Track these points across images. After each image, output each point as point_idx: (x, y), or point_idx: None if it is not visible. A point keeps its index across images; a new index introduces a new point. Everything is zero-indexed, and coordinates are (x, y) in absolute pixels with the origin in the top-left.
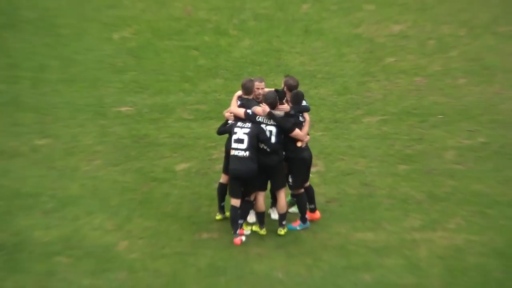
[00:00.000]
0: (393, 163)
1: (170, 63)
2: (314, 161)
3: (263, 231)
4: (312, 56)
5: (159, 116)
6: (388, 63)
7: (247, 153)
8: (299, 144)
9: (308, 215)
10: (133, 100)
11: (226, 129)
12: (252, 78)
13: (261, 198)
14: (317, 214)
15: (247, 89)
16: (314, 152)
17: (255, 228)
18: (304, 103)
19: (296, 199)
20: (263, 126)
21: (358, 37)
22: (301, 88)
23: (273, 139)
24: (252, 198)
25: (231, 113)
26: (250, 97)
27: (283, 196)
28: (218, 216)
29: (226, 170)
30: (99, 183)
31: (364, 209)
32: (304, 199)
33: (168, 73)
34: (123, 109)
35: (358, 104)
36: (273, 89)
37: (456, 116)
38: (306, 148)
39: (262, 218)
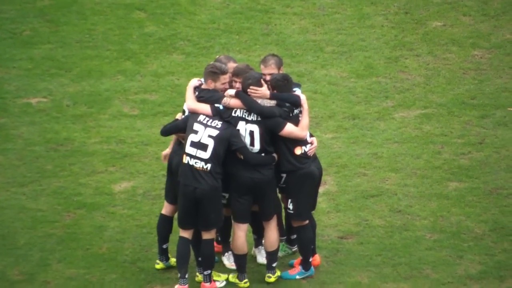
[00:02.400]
0: (440, 179)
1: (103, 31)
2: (322, 177)
3: (244, 283)
4: (317, 19)
5: (88, 111)
6: (433, 29)
7: (208, 165)
8: (298, 151)
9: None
10: (48, 87)
11: (177, 126)
12: (222, 57)
13: (242, 234)
14: (317, 259)
15: (216, 74)
16: (321, 163)
17: (232, 278)
18: (297, 91)
19: (296, 235)
20: (241, 124)
21: None
22: (303, 67)
23: (256, 145)
24: (211, 234)
25: (190, 110)
26: (213, 85)
27: (275, 227)
28: (158, 265)
29: (171, 197)
30: None
31: (396, 248)
32: (309, 235)
33: (101, 46)
34: (33, 100)
35: (387, 91)
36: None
37: None
38: (314, 158)
39: (243, 263)
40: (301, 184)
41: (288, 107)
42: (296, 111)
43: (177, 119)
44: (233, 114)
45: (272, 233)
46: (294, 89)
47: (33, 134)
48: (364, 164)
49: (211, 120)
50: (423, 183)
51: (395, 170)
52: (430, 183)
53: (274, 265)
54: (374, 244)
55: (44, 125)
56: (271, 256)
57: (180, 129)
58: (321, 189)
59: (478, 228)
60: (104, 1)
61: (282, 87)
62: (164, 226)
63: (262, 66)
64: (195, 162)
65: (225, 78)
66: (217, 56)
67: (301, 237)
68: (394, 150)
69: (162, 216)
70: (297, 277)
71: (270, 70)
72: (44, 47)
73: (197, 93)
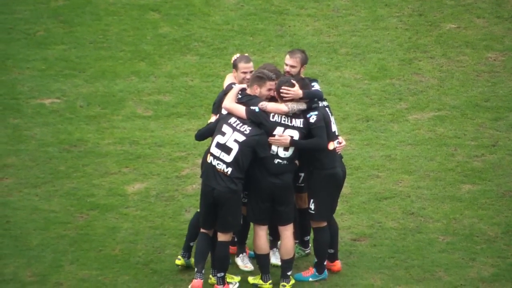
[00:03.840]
0: (453, 181)
1: (117, 32)
2: None
3: (269, 284)
4: (331, 20)
5: (101, 112)
6: (447, 31)
7: (229, 169)
8: (331, 145)
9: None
10: (62, 88)
11: (210, 129)
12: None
13: (263, 234)
14: (338, 264)
15: (262, 79)
16: None
17: (254, 280)
18: (316, 86)
19: (314, 236)
20: (279, 130)
21: None
22: (317, 69)
23: (290, 150)
24: (227, 236)
25: (225, 109)
26: (258, 91)
27: (291, 235)
28: (179, 261)
29: None
30: (11, 212)
31: (409, 250)
32: (326, 238)
33: (114, 47)
34: (47, 101)
35: (401, 93)
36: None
37: None
38: (339, 159)
39: (265, 263)
40: (325, 184)
41: (317, 102)
42: (324, 103)
43: (210, 123)
44: (271, 119)
45: (288, 241)
46: (312, 84)
47: (47, 135)
48: (378, 166)
49: (241, 124)
50: (436, 185)
51: (409, 172)
52: (443, 186)
53: (289, 273)
54: (387, 247)
55: (58, 126)
56: (287, 264)
57: (214, 132)
58: None
59: (491, 230)
60: (118, 1)
61: (303, 83)
62: (197, 224)
63: (287, 56)
64: (217, 164)
65: (271, 84)
66: (235, 56)
67: (318, 239)
68: (408, 152)
69: (198, 214)
70: (311, 279)
71: (293, 62)
72: (58, 48)
73: (239, 96)
